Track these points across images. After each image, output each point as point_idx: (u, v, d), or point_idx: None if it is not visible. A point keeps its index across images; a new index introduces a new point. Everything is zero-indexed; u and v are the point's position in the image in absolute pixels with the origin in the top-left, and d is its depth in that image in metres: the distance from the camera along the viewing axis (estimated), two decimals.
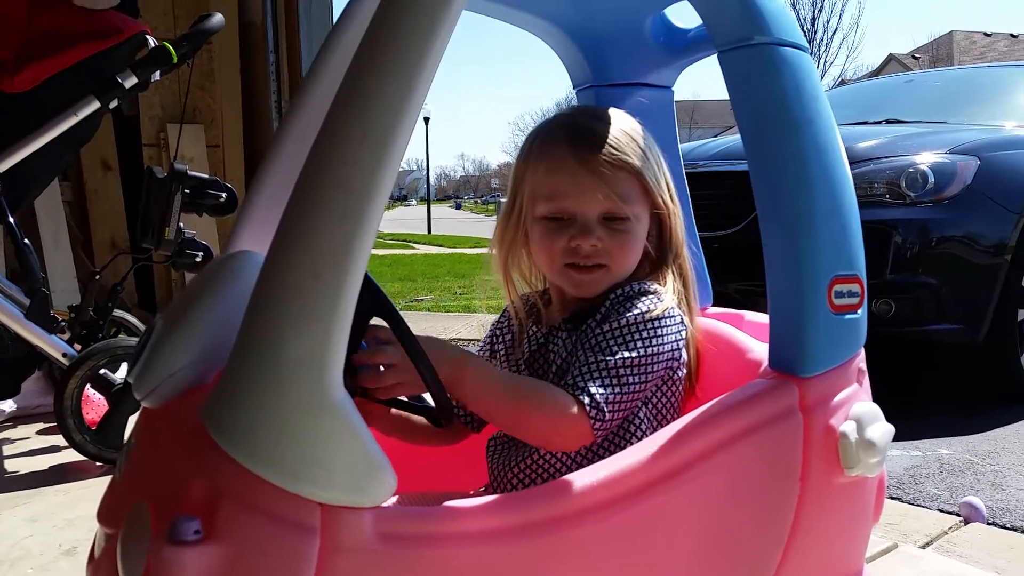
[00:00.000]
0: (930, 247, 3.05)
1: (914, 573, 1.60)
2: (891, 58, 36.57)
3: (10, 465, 2.36)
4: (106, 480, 2.16)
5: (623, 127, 1.08)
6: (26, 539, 1.81)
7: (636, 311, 1.01)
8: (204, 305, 0.87)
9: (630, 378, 0.97)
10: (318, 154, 0.69)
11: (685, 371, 1.08)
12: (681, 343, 1.05)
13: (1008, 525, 1.96)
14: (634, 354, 0.98)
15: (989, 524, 1.94)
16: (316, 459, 0.67)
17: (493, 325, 1.23)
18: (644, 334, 1.00)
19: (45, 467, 2.33)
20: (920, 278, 3.03)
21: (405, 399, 0.98)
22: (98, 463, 2.30)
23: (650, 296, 1.04)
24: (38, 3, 2.43)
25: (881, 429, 0.95)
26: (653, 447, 0.87)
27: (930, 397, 3.31)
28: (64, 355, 2.37)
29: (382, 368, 0.91)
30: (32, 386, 2.78)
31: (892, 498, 2.17)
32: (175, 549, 0.65)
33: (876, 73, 31.40)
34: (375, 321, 0.92)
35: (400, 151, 0.68)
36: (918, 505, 2.10)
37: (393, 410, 1.04)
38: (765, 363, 0.99)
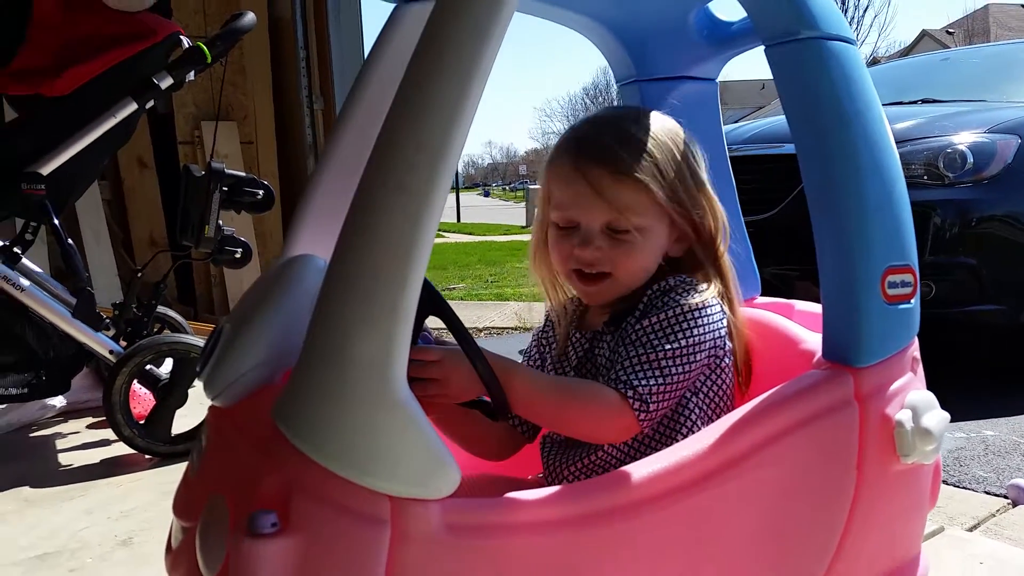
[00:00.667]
0: (970, 227, 3.01)
1: (962, 556, 1.59)
2: (924, 34, 35.85)
3: (63, 459, 2.43)
4: (156, 472, 2.23)
5: (638, 136, 1.06)
6: (83, 530, 1.86)
7: (674, 303, 1.03)
8: (269, 308, 0.91)
9: (672, 368, 0.98)
10: (377, 161, 0.72)
11: (731, 359, 1.09)
12: (723, 331, 1.06)
13: None
14: (675, 345, 0.99)
15: None
16: (384, 454, 0.70)
17: (536, 333, 1.24)
18: (684, 325, 1.01)
19: (97, 460, 2.39)
20: (960, 259, 2.99)
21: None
22: (147, 456, 2.35)
23: (687, 287, 1.05)
24: (74, 7, 2.47)
25: (937, 417, 0.95)
26: (709, 439, 0.88)
27: (973, 378, 3.27)
28: (111, 352, 2.42)
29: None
30: (81, 382, 2.84)
31: None
32: (254, 542, 0.68)
33: (909, 50, 30.81)
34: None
35: (456, 155, 0.70)
36: (964, 487, 2.08)
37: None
38: (818, 354, 1.00)
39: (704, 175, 1.11)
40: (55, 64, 2.43)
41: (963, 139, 3.09)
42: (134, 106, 2.49)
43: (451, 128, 0.70)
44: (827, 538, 0.95)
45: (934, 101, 3.90)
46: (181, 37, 2.60)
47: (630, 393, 0.96)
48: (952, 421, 0.98)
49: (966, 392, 3.01)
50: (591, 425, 0.98)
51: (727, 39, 1.25)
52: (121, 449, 2.37)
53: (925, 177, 3.05)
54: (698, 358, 1.01)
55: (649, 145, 1.06)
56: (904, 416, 0.95)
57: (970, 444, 2.44)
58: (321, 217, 1.02)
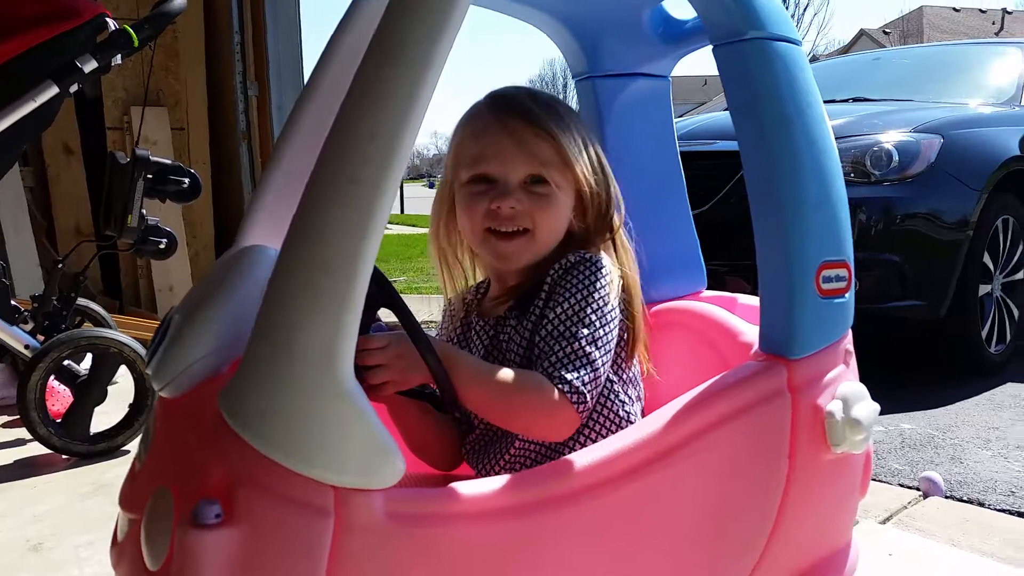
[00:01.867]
0: (894, 224, 3.09)
1: (873, 547, 1.63)
2: (862, 33, 36.76)
3: None
4: (72, 473, 2.15)
5: (548, 101, 1.10)
6: None
7: (580, 286, 1.02)
8: (219, 298, 0.91)
9: (595, 354, 0.98)
10: (329, 151, 0.72)
11: (630, 332, 1.09)
12: (619, 299, 1.06)
13: (965, 498, 2.01)
14: (592, 330, 1.00)
15: (947, 498, 1.99)
16: (329, 444, 0.70)
17: (440, 326, 1.22)
18: (595, 305, 1.01)
19: (10, 461, 2.30)
20: (884, 255, 3.07)
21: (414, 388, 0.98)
22: (64, 456, 2.27)
23: (587, 264, 1.04)
24: None
25: (867, 408, 0.98)
26: (646, 429, 0.90)
27: (892, 373, 3.37)
28: (26, 346, 2.33)
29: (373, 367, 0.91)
30: None
31: None
32: (198, 532, 0.68)
33: (847, 49, 31.56)
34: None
35: (408, 148, 0.72)
36: (880, 480, 2.14)
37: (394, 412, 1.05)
38: (756, 346, 1.02)
39: (598, 155, 1.13)
40: None
41: (889, 138, 3.17)
42: (55, 90, 2.39)
43: (404, 119, 0.70)
44: (760, 525, 0.97)
45: (864, 100, 4.00)
46: (107, 19, 2.50)
47: (566, 388, 0.96)
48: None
49: (886, 386, 3.09)
50: (533, 418, 0.97)
51: (680, 37, 1.27)
52: (37, 449, 2.28)
53: (852, 175, 3.12)
54: (611, 335, 1.02)
55: (559, 109, 1.09)
56: (835, 407, 0.97)
57: (888, 437, 2.51)
58: (275, 207, 1.02)
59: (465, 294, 1.20)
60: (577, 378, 0.96)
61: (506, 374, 0.99)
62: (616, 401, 1.07)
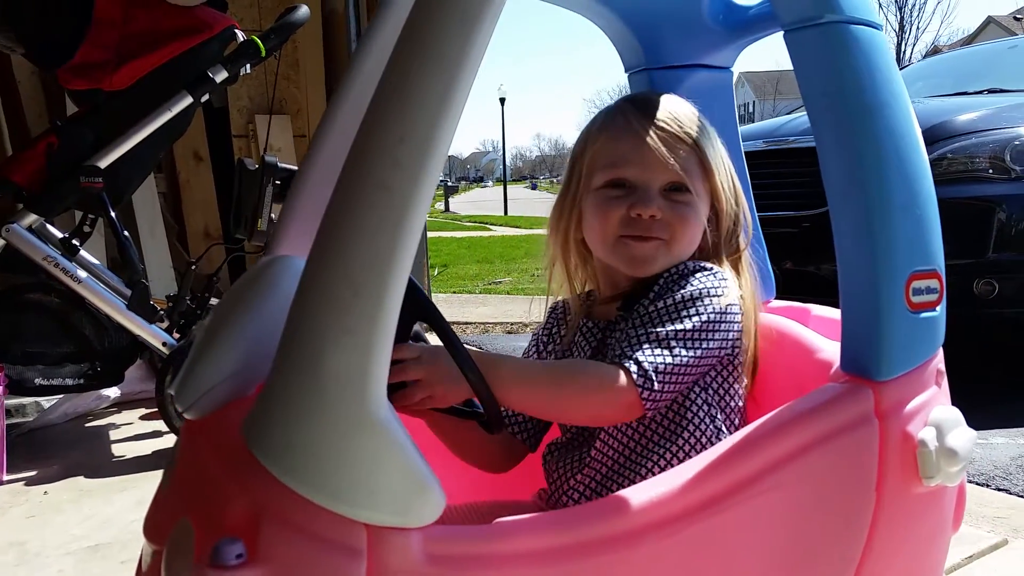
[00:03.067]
0: None
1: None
2: (990, 20, 34.63)
3: (117, 449, 2.48)
4: None
5: (685, 107, 1.07)
6: (134, 522, 1.90)
7: (690, 287, 0.97)
8: (243, 315, 0.85)
9: (680, 349, 0.92)
10: (356, 156, 0.65)
11: (744, 359, 1.03)
12: (738, 326, 1.00)
13: None
14: (686, 325, 0.94)
15: None
16: (360, 479, 0.64)
17: (536, 333, 1.18)
18: (698, 306, 0.96)
19: (149, 452, 2.44)
20: None
21: (456, 407, 0.94)
22: None
23: (706, 272, 1.00)
24: (134, 3, 2.51)
25: (964, 436, 0.88)
26: (719, 459, 0.82)
27: None
28: (164, 344, 2.47)
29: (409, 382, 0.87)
30: (134, 372, 2.91)
31: (1000, 489, 2.07)
32: (218, 574, 0.63)
33: (973, 38, 29.81)
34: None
35: (443, 151, 0.64)
36: (1018, 495, 1.99)
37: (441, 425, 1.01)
38: (836, 364, 0.93)
39: (731, 170, 1.09)
40: (114, 59, 2.48)
41: None
42: (189, 99, 2.54)
43: (438, 120, 0.63)
44: (844, 566, 0.88)
45: (1001, 91, 3.75)
46: (236, 31, 2.63)
47: (633, 368, 0.90)
48: (1014, 426, 0.92)
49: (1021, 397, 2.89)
50: (592, 404, 0.92)
51: (743, 25, 1.19)
52: (173, 441, 2.40)
53: (990, 171, 2.93)
54: (709, 344, 0.95)
55: (698, 116, 1.06)
56: (928, 435, 0.88)
57: (1021, 451, 2.34)
58: (306, 214, 0.95)
59: (580, 294, 1.16)
60: (649, 361, 0.90)
61: (554, 364, 0.96)
62: (711, 426, 0.99)
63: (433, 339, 0.91)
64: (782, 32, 0.95)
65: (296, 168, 2.67)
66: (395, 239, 0.62)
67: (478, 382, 0.85)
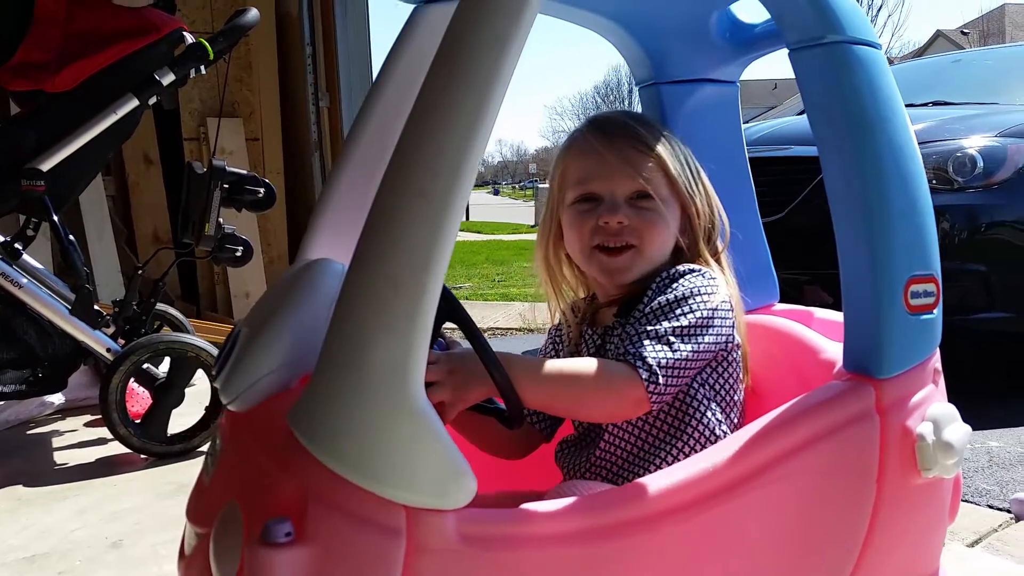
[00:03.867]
0: (979, 233, 2.97)
1: (962, 573, 1.56)
2: (939, 34, 35.60)
3: (59, 457, 2.42)
4: (150, 473, 2.22)
5: (648, 122, 1.13)
6: (74, 532, 1.85)
7: (682, 287, 1.02)
8: (287, 313, 0.91)
9: (680, 344, 0.96)
10: (397, 166, 0.71)
11: (738, 354, 1.08)
12: (731, 322, 1.04)
13: None
14: (683, 322, 0.98)
15: None
16: (401, 463, 0.69)
17: (550, 333, 1.25)
18: (691, 304, 1.00)
19: (92, 459, 2.38)
20: (968, 266, 2.95)
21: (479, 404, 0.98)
22: (143, 456, 2.34)
23: (696, 273, 1.04)
24: (78, 2, 2.46)
25: (959, 430, 0.94)
26: (729, 450, 0.87)
27: (978, 387, 3.23)
28: (108, 350, 2.41)
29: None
30: (79, 379, 2.83)
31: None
32: (269, 551, 0.68)
33: (923, 51, 30.61)
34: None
35: (476, 162, 0.70)
36: (967, 501, 2.03)
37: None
38: (839, 364, 0.99)
39: (703, 177, 1.14)
40: (57, 59, 2.41)
41: (973, 143, 3.04)
42: (135, 102, 2.48)
43: (472, 134, 0.70)
44: (846, 552, 0.93)
45: (945, 103, 3.85)
46: (184, 33, 2.59)
47: (639, 364, 0.94)
48: None
49: (971, 402, 2.95)
50: (601, 400, 0.96)
51: (749, 42, 1.24)
52: (117, 448, 2.36)
53: (934, 182, 3.00)
54: (705, 339, 0.99)
55: (658, 129, 1.12)
56: (925, 429, 0.93)
57: (974, 456, 2.40)
58: (339, 220, 1.03)
59: (577, 303, 1.21)
60: (653, 356, 0.94)
61: (565, 362, 0.98)
62: (713, 420, 1.04)
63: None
64: (787, 50, 1.00)
65: (245, 172, 2.65)
66: (433, 242, 0.69)
67: (503, 381, 0.89)
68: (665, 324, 0.98)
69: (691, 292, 1.01)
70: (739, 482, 0.86)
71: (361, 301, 0.70)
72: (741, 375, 1.09)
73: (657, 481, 0.83)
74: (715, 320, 1.01)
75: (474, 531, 0.73)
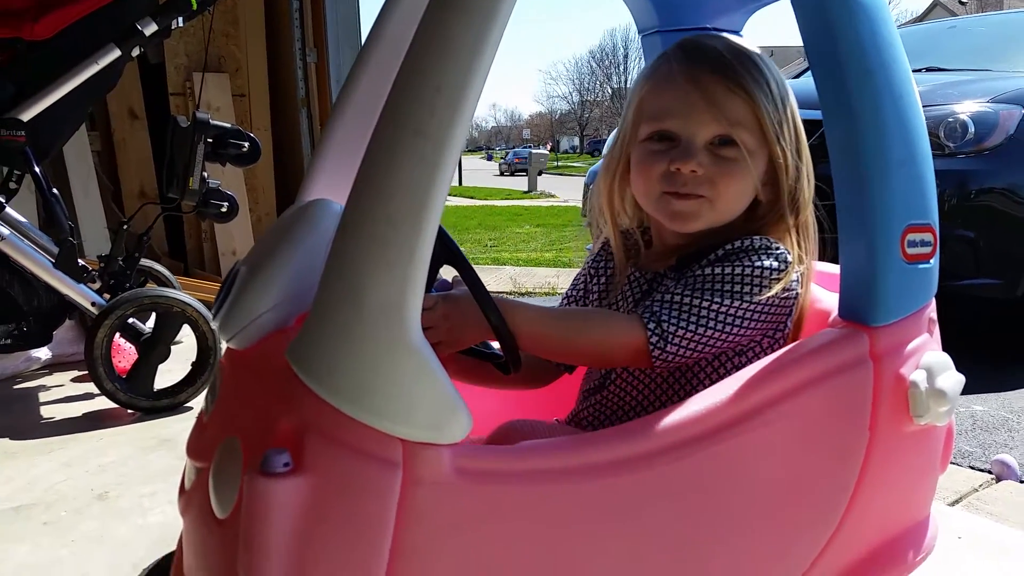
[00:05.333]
0: (968, 199, 2.96)
1: (941, 530, 1.57)
2: (936, 3, 35.35)
3: (45, 411, 2.41)
4: (136, 428, 2.22)
5: (749, 54, 1.00)
6: (60, 483, 1.85)
7: (752, 264, 0.94)
8: (285, 251, 0.91)
9: (711, 323, 0.91)
10: (394, 104, 0.70)
11: (787, 340, 1.01)
12: (792, 305, 0.98)
13: None
14: (728, 303, 0.92)
15: (1021, 482, 1.90)
16: (398, 397, 0.70)
17: (587, 263, 1.16)
18: (749, 287, 0.93)
19: (79, 414, 2.37)
20: (957, 231, 2.95)
21: (475, 348, 0.97)
22: (129, 410, 2.33)
23: (772, 253, 0.95)
24: None
25: (952, 379, 0.94)
26: (723, 393, 0.87)
27: (965, 352, 3.24)
28: (93, 304, 2.40)
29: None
30: (66, 334, 2.82)
31: None
32: (267, 480, 0.69)
33: (920, 19, 30.39)
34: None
35: (474, 100, 0.69)
36: (949, 462, 2.06)
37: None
38: (834, 312, 0.98)
39: (797, 122, 1.03)
40: (35, 7, 2.36)
41: (965, 108, 3.03)
42: (117, 53, 2.44)
43: (470, 71, 0.68)
44: (838, 495, 0.94)
45: (939, 69, 3.83)
46: None
47: (652, 325, 0.90)
48: None
49: (958, 366, 2.98)
50: (600, 343, 0.93)
51: None
52: (104, 403, 2.35)
53: None
54: (746, 327, 0.93)
55: (760, 65, 1.00)
56: (919, 376, 0.93)
57: (959, 418, 2.42)
58: (337, 161, 1.02)
59: (633, 232, 1.11)
60: (671, 324, 0.90)
61: (570, 310, 0.97)
62: None
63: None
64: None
65: (229, 126, 2.61)
66: (430, 181, 0.68)
67: (500, 323, 0.88)
68: (705, 298, 0.92)
69: (755, 274, 0.93)
70: (733, 423, 0.86)
71: (358, 239, 0.70)
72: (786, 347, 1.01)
73: (653, 421, 0.84)
74: (767, 310, 0.95)
75: (468, 465, 0.74)
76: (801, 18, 0.96)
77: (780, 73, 1.03)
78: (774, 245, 0.97)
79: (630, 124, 1.04)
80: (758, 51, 1.03)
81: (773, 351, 0.99)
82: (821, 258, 1.13)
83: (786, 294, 0.97)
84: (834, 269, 1.03)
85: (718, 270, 0.94)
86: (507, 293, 4.99)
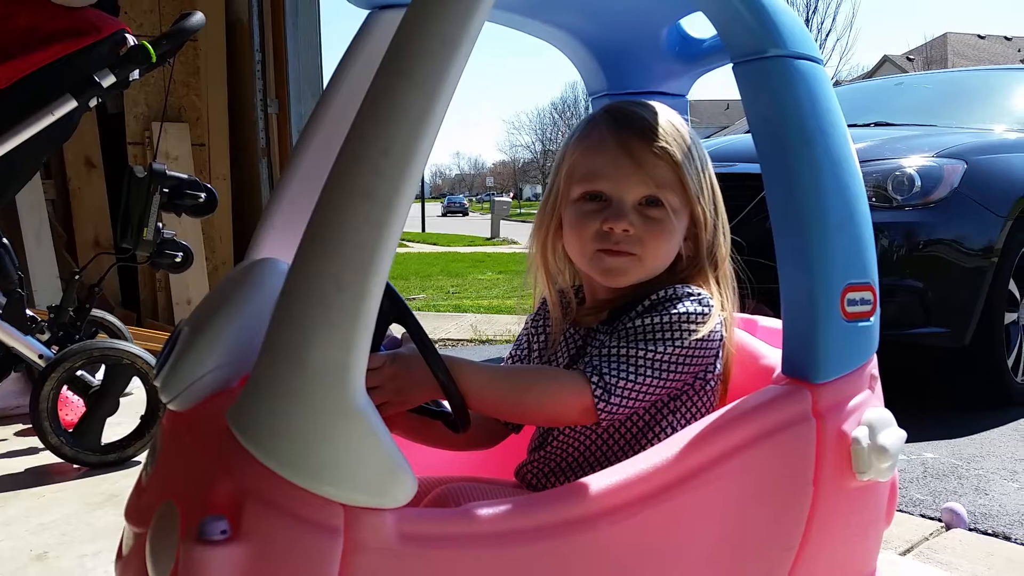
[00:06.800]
0: (916, 250, 3.04)
1: None
2: (885, 59, 36.65)
3: None
4: (82, 483, 2.15)
5: (671, 120, 1.06)
6: (1, 542, 1.78)
7: (676, 311, 0.98)
8: (229, 311, 0.91)
9: (647, 371, 0.95)
10: (342, 165, 0.71)
11: (716, 383, 1.05)
12: (717, 348, 1.02)
13: (990, 531, 1.95)
14: (660, 350, 0.96)
15: (971, 530, 1.93)
16: (340, 462, 0.69)
17: (528, 322, 1.20)
18: (676, 333, 0.97)
19: (21, 469, 2.30)
20: (906, 281, 3.02)
21: (424, 406, 0.98)
22: (75, 465, 2.27)
23: (693, 298, 1.01)
24: (16, 0, 2.40)
25: (894, 435, 0.96)
26: (668, 452, 0.88)
27: (915, 401, 3.31)
28: (40, 356, 2.34)
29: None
30: (11, 386, 2.74)
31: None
32: (204, 548, 0.67)
33: (871, 74, 31.46)
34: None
35: (422, 162, 0.70)
36: (900, 511, 2.08)
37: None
38: (778, 369, 1.00)
39: (713, 183, 1.09)
40: None
41: (912, 162, 3.13)
42: (74, 104, 2.41)
43: (418, 135, 0.69)
44: (783, 553, 0.94)
45: (886, 124, 3.96)
46: (126, 35, 2.53)
47: (595, 379, 0.93)
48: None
49: (907, 414, 3.02)
50: (547, 402, 0.95)
51: (698, 56, 1.26)
52: (48, 458, 2.28)
53: (874, 199, 3.08)
54: (681, 371, 0.98)
55: (680, 130, 1.06)
56: (861, 433, 0.95)
57: (909, 466, 2.45)
58: (287, 221, 1.03)
59: (566, 290, 1.15)
60: (612, 376, 0.93)
61: (517, 368, 0.98)
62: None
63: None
64: (731, 64, 1.02)
65: (186, 176, 2.60)
66: (377, 242, 0.69)
67: (448, 382, 0.88)
68: (644, 348, 0.96)
69: (685, 319, 0.98)
70: (677, 483, 0.87)
71: (303, 298, 0.69)
72: (715, 402, 1.05)
73: (594, 482, 0.84)
74: (699, 351, 0.99)
75: (412, 530, 0.73)
76: (742, 84, 1.00)
77: (697, 136, 1.09)
78: (696, 291, 1.02)
79: (562, 184, 1.08)
80: (677, 116, 1.09)
81: (705, 393, 1.02)
82: (741, 310, 1.16)
83: (711, 336, 1.00)
84: (778, 324, 1.05)
85: (647, 320, 0.98)
86: (468, 341, 4.97)
